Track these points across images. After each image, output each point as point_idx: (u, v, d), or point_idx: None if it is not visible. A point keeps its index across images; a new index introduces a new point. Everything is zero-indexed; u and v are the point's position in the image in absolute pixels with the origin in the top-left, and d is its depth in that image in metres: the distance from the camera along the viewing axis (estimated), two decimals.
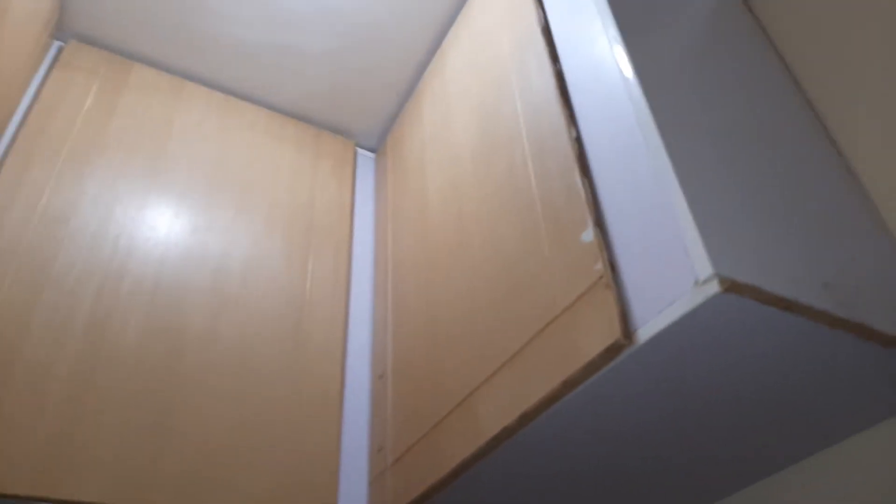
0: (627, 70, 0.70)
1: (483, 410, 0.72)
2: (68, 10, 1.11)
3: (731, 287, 0.52)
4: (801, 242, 0.63)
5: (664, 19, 0.83)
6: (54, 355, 0.82)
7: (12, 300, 0.83)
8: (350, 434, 0.94)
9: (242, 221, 1.08)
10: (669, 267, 0.57)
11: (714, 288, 0.52)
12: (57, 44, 1.13)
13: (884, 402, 0.69)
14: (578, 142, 0.74)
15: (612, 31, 0.74)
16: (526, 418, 0.65)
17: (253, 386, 0.92)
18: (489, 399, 0.72)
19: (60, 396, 0.80)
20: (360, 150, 1.35)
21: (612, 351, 0.58)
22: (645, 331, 0.57)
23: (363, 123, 1.33)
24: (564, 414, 0.65)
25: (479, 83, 0.99)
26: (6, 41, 0.90)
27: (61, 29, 1.14)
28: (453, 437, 0.75)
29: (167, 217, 1.01)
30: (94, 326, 0.86)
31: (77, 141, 1.01)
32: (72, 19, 1.13)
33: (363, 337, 1.06)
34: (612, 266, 0.62)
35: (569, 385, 0.61)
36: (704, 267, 0.53)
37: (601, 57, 0.75)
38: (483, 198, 0.88)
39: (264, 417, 0.90)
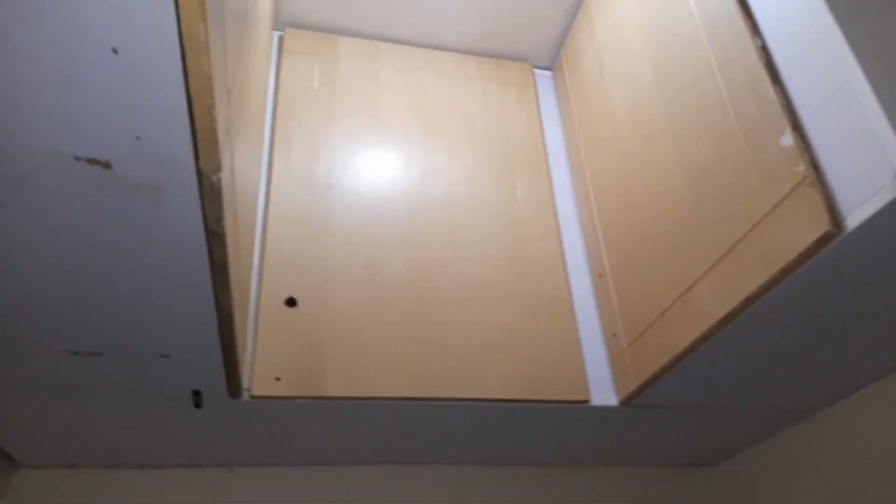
0: None
1: (706, 299, 0.86)
2: (280, 2, 1.31)
3: None
4: None
5: None
6: (351, 289, 1.07)
7: (311, 253, 1.09)
8: (585, 324, 1.13)
9: (455, 161, 1.26)
10: (868, 162, 0.66)
11: None
12: (277, 34, 1.35)
13: None
14: (764, 50, 0.81)
15: None
16: (748, 301, 0.79)
17: (491, 297, 1.12)
18: (709, 290, 0.86)
19: (359, 320, 1.05)
20: (536, 71, 1.46)
21: (823, 240, 0.69)
22: (852, 220, 0.67)
23: (536, 45, 1.43)
24: (779, 299, 0.77)
25: None
26: (258, 44, 1.11)
27: (278, 19, 1.35)
28: (680, 323, 0.91)
29: (398, 168, 1.22)
30: (371, 265, 1.10)
31: (317, 117, 1.24)
32: (283, 10, 1.33)
33: (576, 244, 1.23)
34: (815, 165, 0.72)
35: (786, 271, 0.73)
36: None
37: None
38: (670, 110, 0.98)
39: (506, 320, 1.10)
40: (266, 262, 1.06)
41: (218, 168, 0.55)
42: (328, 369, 0.98)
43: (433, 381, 1.02)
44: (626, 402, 1.04)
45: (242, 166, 0.84)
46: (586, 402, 1.05)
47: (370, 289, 1.08)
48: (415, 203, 1.19)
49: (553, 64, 1.46)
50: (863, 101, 0.67)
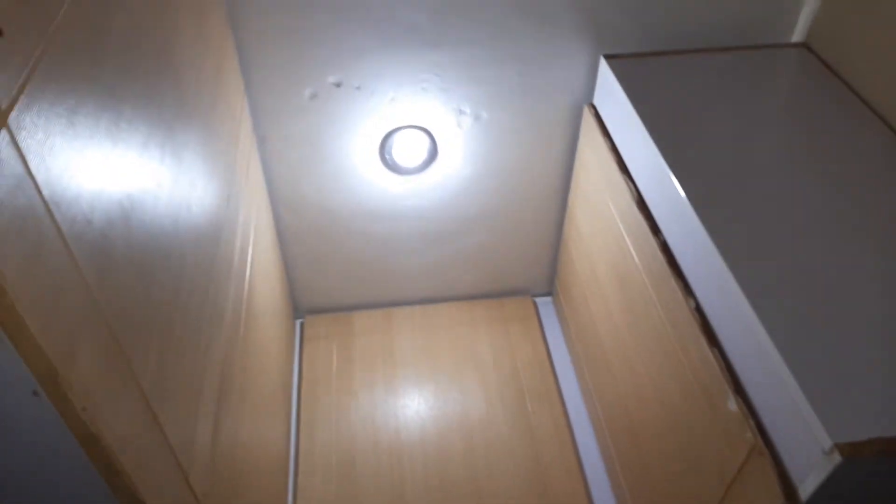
0: (710, 245, 0.83)
1: None
2: (295, 295, 1.49)
3: (854, 451, 0.64)
4: None
5: (733, 185, 0.93)
6: None
7: None
8: None
9: (471, 409, 1.33)
10: (802, 435, 0.69)
11: (837, 458, 0.64)
12: (299, 322, 1.51)
13: None
14: (699, 311, 0.87)
15: (691, 209, 0.88)
16: None
17: None
18: None
19: None
20: (538, 299, 1.56)
21: None
22: (804, 491, 0.69)
23: (533, 277, 1.55)
24: None
25: (605, 242, 1.16)
26: (281, 339, 1.26)
27: (299, 308, 1.52)
28: None
29: (416, 428, 1.30)
30: None
31: (339, 395, 1.35)
32: (303, 300, 1.50)
33: (598, 471, 1.25)
34: (763, 432, 0.75)
35: None
36: (824, 438, 0.65)
37: (692, 229, 0.88)
38: (643, 350, 1.03)
39: None
40: None
41: None
42: None
43: None
44: None
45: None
46: None
47: None
48: (433, 462, 1.25)
49: (552, 289, 1.56)
50: (782, 377, 0.71)
